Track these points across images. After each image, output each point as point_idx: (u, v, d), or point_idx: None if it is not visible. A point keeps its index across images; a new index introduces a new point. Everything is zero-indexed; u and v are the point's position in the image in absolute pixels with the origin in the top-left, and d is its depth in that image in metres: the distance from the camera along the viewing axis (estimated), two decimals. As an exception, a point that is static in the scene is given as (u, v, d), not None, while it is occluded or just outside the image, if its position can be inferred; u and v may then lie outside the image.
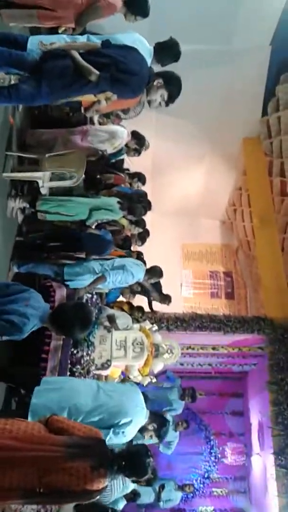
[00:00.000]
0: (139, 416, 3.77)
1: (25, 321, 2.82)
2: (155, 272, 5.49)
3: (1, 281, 3.52)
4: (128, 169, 6.66)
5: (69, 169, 4.88)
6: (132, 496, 6.01)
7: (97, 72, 3.29)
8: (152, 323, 6.28)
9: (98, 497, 2.80)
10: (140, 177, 6.57)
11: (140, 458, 2.85)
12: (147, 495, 7.31)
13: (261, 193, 9.11)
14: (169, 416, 7.35)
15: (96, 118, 5.68)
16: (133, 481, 3.19)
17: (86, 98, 3.93)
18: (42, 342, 4.47)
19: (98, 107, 5.21)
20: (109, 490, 4.28)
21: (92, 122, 5.46)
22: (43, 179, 4.78)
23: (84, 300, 5.14)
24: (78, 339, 4.69)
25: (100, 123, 5.89)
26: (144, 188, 6.72)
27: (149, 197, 6.64)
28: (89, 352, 4.97)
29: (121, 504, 5.25)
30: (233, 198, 10.38)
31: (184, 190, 10.33)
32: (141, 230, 5.79)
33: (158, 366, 5.65)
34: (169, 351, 5.69)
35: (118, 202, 5.43)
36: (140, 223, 5.85)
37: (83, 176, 4.86)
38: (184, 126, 8.86)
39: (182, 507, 8.62)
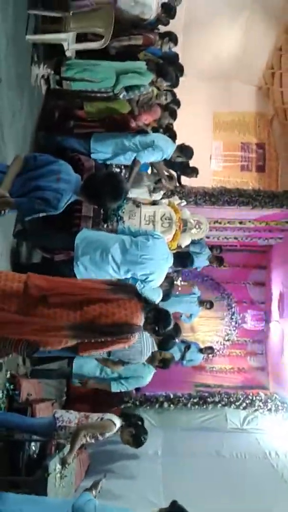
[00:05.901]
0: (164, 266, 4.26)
1: (59, 197, 2.79)
2: (186, 152, 5.25)
3: (28, 154, 3.39)
4: (157, 28, 6.01)
5: (96, 28, 4.45)
6: None
7: None
8: (181, 198, 6.22)
9: (135, 337, 2.97)
10: (172, 37, 5.96)
11: (165, 313, 3.20)
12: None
13: (303, 54, 8.25)
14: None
15: None
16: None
17: None
18: (72, 217, 4.52)
19: None
20: (139, 352, 4.58)
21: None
22: (68, 41, 4.39)
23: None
24: (109, 208, 4.69)
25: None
26: (175, 49, 6.15)
27: (180, 58, 6.12)
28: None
29: None
30: (272, 59, 9.45)
31: (218, 49, 9.38)
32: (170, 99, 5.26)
33: (186, 241, 5.73)
34: (197, 226, 5.73)
35: (147, 65, 5.02)
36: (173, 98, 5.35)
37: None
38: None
39: (203, 364, 9.39)
